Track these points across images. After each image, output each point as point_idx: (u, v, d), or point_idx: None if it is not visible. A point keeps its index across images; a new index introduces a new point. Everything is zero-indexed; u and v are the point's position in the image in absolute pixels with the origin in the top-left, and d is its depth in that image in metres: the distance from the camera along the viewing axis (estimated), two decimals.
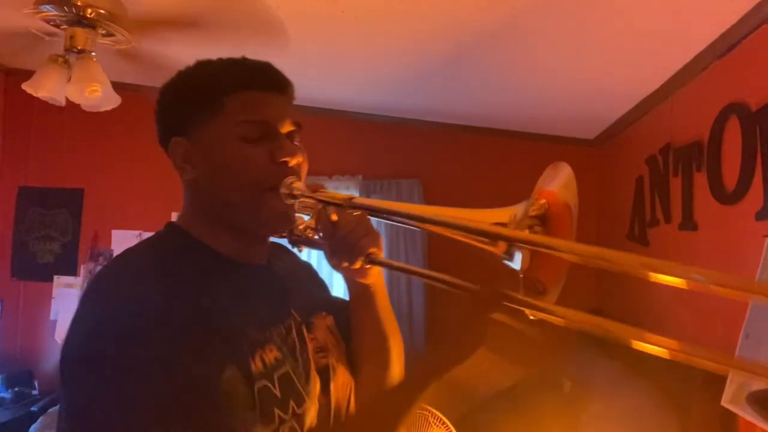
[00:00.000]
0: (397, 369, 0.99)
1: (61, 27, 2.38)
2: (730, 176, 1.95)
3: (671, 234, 2.47)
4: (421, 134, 3.80)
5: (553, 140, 3.67)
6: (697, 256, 2.26)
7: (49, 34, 2.52)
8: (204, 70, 0.86)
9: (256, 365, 0.75)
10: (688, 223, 2.28)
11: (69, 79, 2.41)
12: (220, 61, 0.86)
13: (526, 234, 0.71)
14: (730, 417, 1.68)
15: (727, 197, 1.96)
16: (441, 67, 2.70)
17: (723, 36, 1.97)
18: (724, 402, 1.67)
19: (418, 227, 0.78)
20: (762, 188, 1.74)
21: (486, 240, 0.72)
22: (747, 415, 1.56)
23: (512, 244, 0.71)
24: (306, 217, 0.97)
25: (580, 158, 3.70)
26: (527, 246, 0.70)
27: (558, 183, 0.75)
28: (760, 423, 1.48)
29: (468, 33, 2.30)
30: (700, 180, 2.19)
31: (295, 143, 0.86)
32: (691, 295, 2.29)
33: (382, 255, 0.90)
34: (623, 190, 3.08)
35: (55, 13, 2.30)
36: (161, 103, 0.87)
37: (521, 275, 0.71)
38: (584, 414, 2.55)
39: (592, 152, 3.71)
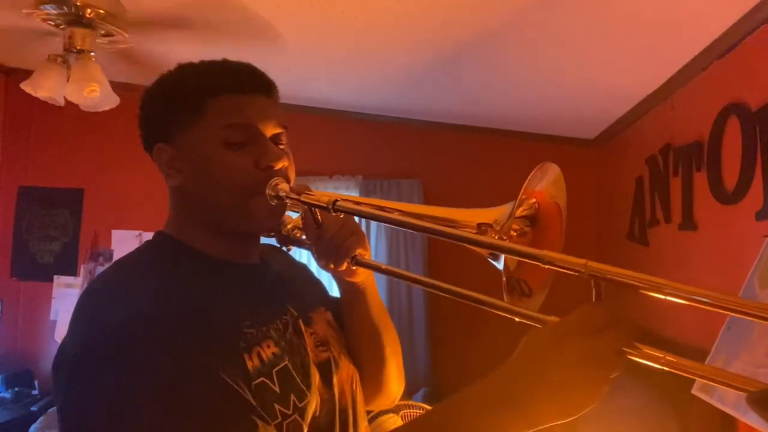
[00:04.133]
0: (392, 365, 0.99)
1: (61, 27, 2.38)
2: (730, 176, 1.95)
3: (671, 234, 2.47)
4: (421, 134, 3.80)
5: (553, 140, 3.67)
6: (697, 256, 2.26)
7: (49, 34, 2.52)
8: (185, 73, 0.85)
9: (253, 362, 0.74)
10: (688, 223, 2.28)
11: (68, 79, 2.41)
12: (202, 63, 0.85)
13: (502, 242, 0.69)
14: (730, 417, 1.68)
15: (727, 197, 1.96)
16: (441, 67, 2.70)
17: (723, 36, 1.97)
18: (695, 390, 1.66)
19: (404, 229, 0.77)
20: (762, 188, 1.74)
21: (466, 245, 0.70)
22: (716, 403, 1.56)
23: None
24: (295, 215, 0.96)
25: (580, 158, 3.70)
26: (504, 253, 0.69)
27: (547, 182, 0.75)
28: (760, 423, 1.48)
29: (468, 33, 2.30)
30: (700, 180, 2.18)
31: (281, 146, 0.85)
32: None
33: (369, 256, 0.90)
34: (623, 190, 3.08)
35: (55, 13, 2.30)
36: (143, 110, 0.86)
37: (504, 277, 0.70)
38: (584, 414, 2.55)
39: (592, 152, 3.71)
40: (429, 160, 3.79)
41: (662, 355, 0.58)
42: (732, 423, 1.72)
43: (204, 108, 0.80)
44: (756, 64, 1.86)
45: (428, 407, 2.50)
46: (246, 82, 0.83)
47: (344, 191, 3.69)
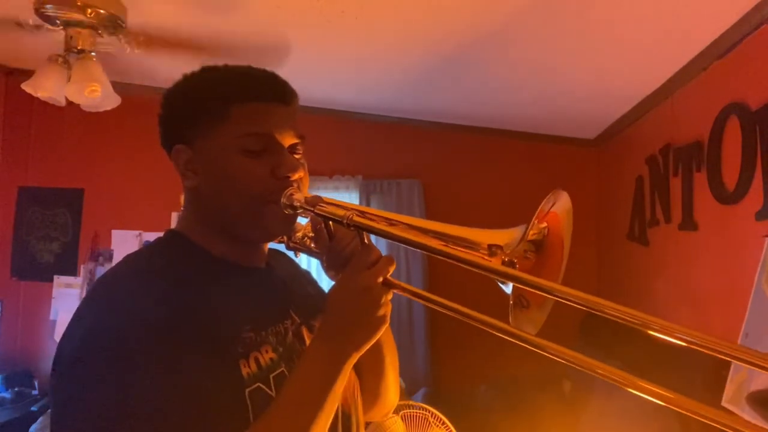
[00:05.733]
0: (391, 376, 0.99)
1: (61, 27, 2.38)
2: (730, 176, 1.95)
3: (671, 234, 2.47)
4: (421, 134, 3.80)
5: (553, 140, 3.67)
6: (697, 256, 2.27)
7: (49, 34, 2.52)
8: (209, 78, 0.86)
9: (249, 368, 0.75)
10: (688, 223, 2.28)
11: (69, 79, 2.41)
12: (226, 68, 0.86)
13: (512, 270, 0.70)
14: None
15: (727, 197, 1.97)
16: (441, 67, 2.70)
17: (723, 36, 1.98)
18: (725, 402, 1.67)
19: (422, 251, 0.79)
20: (762, 188, 1.75)
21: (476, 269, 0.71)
22: (746, 415, 1.56)
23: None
24: (304, 221, 0.96)
25: (580, 158, 3.71)
26: (509, 281, 0.69)
27: (560, 208, 0.75)
28: (760, 423, 1.48)
29: (468, 33, 2.31)
30: (700, 180, 2.19)
31: (297, 155, 0.86)
32: (691, 294, 2.29)
33: None
34: (623, 190, 3.09)
35: (55, 13, 2.30)
36: (165, 109, 0.87)
37: (511, 300, 0.71)
38: (584, 414, 2.55)
39: (592, 152, 3.72)
40: (429, 160, 3.79)
41: (410, 287, 0.78)
42: None
43: (225, 115, 0.81)
44: (756, 64, 1.86)
45: (428, 407, 2.50)
46: (267, 91, 0.84)
47: (344, 191, 3.69)
